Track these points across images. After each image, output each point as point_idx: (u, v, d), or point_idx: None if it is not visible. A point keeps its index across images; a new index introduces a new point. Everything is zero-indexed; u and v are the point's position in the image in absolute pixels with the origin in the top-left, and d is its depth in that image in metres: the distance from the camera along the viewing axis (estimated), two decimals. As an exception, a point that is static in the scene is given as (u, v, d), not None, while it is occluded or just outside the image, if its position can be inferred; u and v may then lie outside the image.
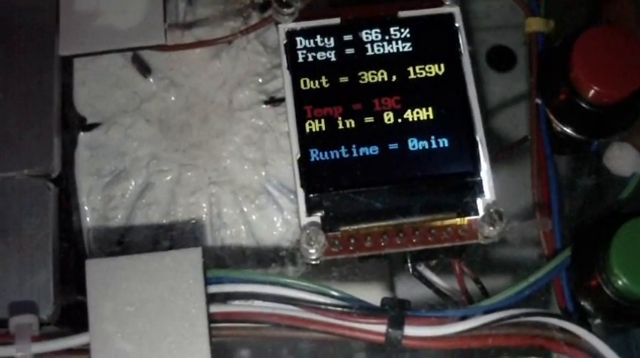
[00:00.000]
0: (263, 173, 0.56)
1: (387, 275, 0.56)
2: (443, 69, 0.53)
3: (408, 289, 0.55)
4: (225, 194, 0.56)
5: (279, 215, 0.55)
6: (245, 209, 0.55)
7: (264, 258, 0.55)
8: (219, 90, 0.57)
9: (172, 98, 0.57)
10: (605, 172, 0.54)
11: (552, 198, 0.52)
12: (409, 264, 0.52)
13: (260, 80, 0.57)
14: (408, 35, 0.54)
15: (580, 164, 0.58)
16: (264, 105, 0.57)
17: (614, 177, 0.54)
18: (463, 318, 0.49)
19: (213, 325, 0.49)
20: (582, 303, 0.51)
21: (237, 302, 0.50)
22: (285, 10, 0.54)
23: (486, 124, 0.55)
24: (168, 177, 0.56)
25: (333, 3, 0.57)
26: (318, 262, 0.50)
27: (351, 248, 0.51)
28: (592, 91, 0.51)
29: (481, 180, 0.51)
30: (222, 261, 0.55)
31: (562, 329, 0.49)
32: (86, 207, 0.56)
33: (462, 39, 0.53)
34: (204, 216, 0.55)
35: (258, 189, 0.56)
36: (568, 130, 0.54)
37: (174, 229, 0.55)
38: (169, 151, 0.56)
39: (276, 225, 0.55)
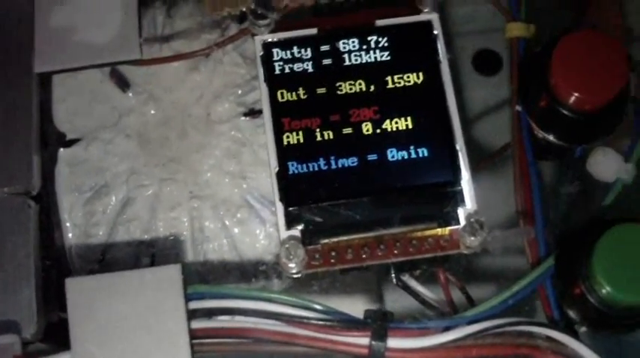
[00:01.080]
0: (244, 186, 0.56)
1: (370, 287, 0.55)
2: (422, 77, 0.52)
3: (393, 300, 0.55)
4: (206, 208, 0.55)
5: (262, 228, 0.55)
6: (227, 223, 0.55)
7: (247, 272, 0.55)
8: (198, 103, 0.57)
9: (151, 112, 0.57)
10: (590, 178, 0.54)
11: (535, 206, 0.52)
12: (393, 275, 0.52)
13: (239, 92, 0.57)
14: (386, 44, 0.53)
15: (564, 170, 0.57)
16: (243, 118, 0.57)
17: (599, 183, 0.53)
18: (447, 329, 0.48)
19: (195, 341, 0.49)
20: (568, 311, 0.51)
21: (219, 317, 0.49)
22: (260, 21, 0.53)
23: (469, 131, 0.55)
24: (149, 192, 0.56)
25: (316, 13, 0.56)
26: (300, 276, 0.50)
27: (332, 261, 0.50)
28: (572, 98, 0.51)
29: (462, 190, 0.50)
30: (205, 276, 0.54)
31: (548, 338, 0.49)
32: (68, 224, 0.56)
33: (440, 46, 0.53)
34: (185, 231, 0.55)
35: (239, 202, 0.55)
36: (550, 137, 0.54)
37: (155, 245, 0.55)
38: (149, 166, 0.56)
39: (259, 238, 0.55)
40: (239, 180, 0.56)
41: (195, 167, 0.56)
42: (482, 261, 0.55)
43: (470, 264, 0.54)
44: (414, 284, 0.53)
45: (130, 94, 0.57)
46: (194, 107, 0.57)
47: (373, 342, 0.48)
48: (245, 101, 0.57)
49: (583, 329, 0.51)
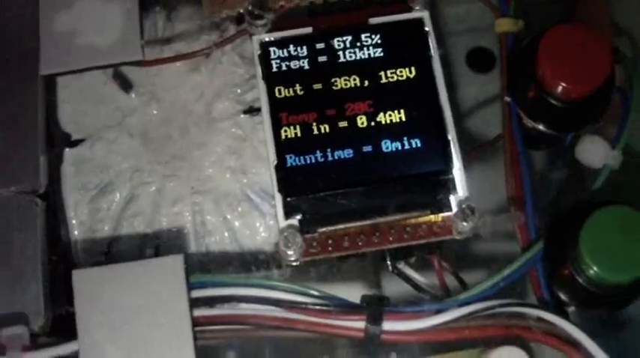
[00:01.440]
0: (244, 180, 0.57)
1: (367, 274, 0.57)
2: (414, 72, 0.54)
3: (391, 286, 0.56)
4: (207, 202, 0.57)
5: (262, 221, 0.57)
6: (228, 216, 0.57)
7: (248, 263, 0.56)
8: (199, 102, 0.59)
9: (154, 112, 0.59)
10: (578, 165, 0.55)
11: (525, 192, 0.53)
12: (388, 262, 0.54)
13: (238, 91, 0.59)
14: (379, 41, 0.55)
15: (554, 158, 0.58)
16: (242, 115, 0.58)
17: (588, 169, 0.55)
18: (439, 312, 0.50)
19: (197, 328, 0.50)
20: (557, 292, 0.52)
21: (221, 305, 0.51)
22: (257, 21, 0.55)
23: (464, 125, 0.56)
24: (152, 189, 0.57)
25: (311, 14, 0.58)
26: (298, 263, 0.52)
27: (329, 248, 0.52)
28: (559, 87, 0.53)
29: (453, 178, 0.52)
30: (207, 267, 0.56)
31: (539, 319, 0.50)
32: (74, 221, 0.57)
33: (431, 42, 0.55)
34: (188, 224, 0.57)
35: (240, 196, 0.57)
36: (539, 126, 0.55)
37: (159, 238, 0.57)
38: (152, 163, 0.58)
39: (259, 231, 0.57)
40: (239, 175, 0.57)
41: (197, 163, 0.58)
42: (475, 246, 0.57)
43: (463, 250, 0.56)
44: (409, 270, 0.54)
45: (133, 95, 0.59)
46: (195, 106, 0.59)
47: (369, 325, 0.50)
48: (244, 99, 0.59)
49: (573, 309, 0.52)
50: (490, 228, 0.52)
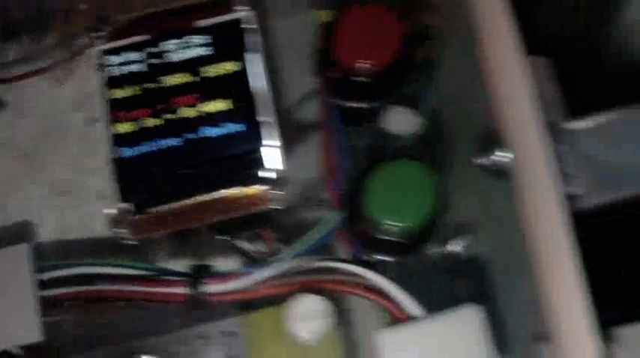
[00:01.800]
0: (99, 178, 0.63)
1: (204, 247, 0.62)
2: (236, 66, 0.60)
3: (223, 258, 0.62)
4: (67, 201, 0.63)
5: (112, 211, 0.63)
6: (86, 211, 0.63)
7: (102, 249, 0.62)
8: (60, 112, 0.66)
9: (24, 126, 0.66)
10: (388, 132, 0.60)
11: (337, 163, 0.59)
12: (220, 237, 0.59)
13: (93, 99, 0.65)
14: (205, 41, 0.61)
15: (368, 129, 0.63)
16: (97, 124, 0.64)
17: (396, 137, 0.60)
18: (253, 273, 0.55)
19: (46, 307, 0.56)
20: (364, 246, 0.57)
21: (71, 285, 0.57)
22: (96, 34, 0.62)
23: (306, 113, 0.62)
24: (21, 196, 0.64)
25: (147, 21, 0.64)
26: (136, 242, 0.58)
27: (161, 226, 0.58)
28: (355, 64, 0.58)
29: (267, 154, 0.58)
30: (62, 256, 0.62)
31: (350, 273, 0.55)
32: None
33: (252, 38, 0.60)
34: (49, 223, 0.63)
35: (94, 192, 0.63)
36: (350, 103, 0.60)
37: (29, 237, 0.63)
38: (23, 174, 0.65)
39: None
40: (93, 174, 0.64)
41: (57, 168, 0.65)
42: (298, 215, 0.62)
43: (287, 219, 0.61)
44: (239, 242, 0.60)
45: (6, 112, 0.66)
46: (57, 116, 0.66)
47: (192, 289, 0.55)
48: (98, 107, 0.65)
49: (382, 259, 0.57)
50: (304, 196, 0.57)
